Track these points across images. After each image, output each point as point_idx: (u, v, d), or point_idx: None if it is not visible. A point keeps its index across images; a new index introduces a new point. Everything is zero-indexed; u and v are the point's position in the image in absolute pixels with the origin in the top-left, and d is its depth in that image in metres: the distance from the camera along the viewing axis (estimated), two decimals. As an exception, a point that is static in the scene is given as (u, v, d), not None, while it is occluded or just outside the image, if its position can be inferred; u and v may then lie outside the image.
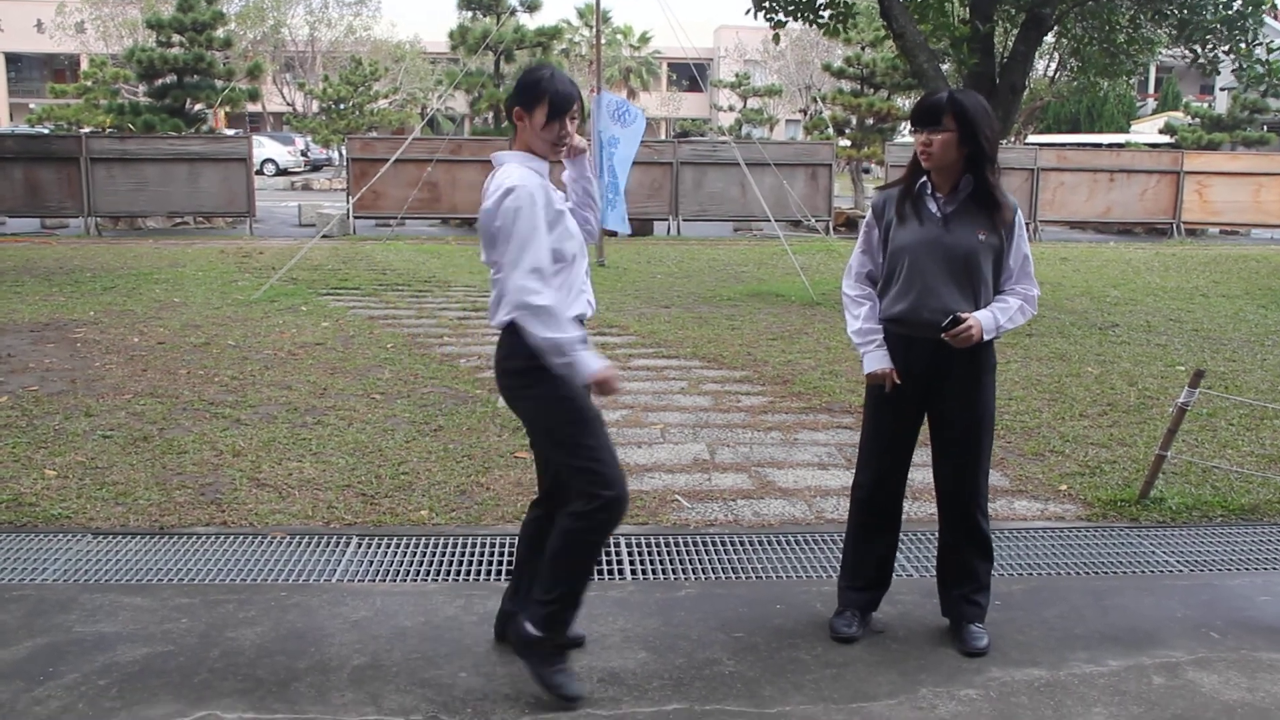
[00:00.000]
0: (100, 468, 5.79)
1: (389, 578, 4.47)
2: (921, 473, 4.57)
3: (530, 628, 3.49)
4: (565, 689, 3.48)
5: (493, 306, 3.47)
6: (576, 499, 3.46)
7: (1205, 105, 38.00)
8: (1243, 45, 11.82)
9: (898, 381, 3.78)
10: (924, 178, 3.76)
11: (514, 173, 3.39)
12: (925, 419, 3.94)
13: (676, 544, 4.89)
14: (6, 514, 5.10)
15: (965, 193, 3.71)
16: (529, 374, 3.41)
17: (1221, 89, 41.24)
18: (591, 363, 3.35)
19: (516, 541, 3.89)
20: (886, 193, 3.90)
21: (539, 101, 3.41)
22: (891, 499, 3.99)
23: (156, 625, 3.95)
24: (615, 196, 12.16)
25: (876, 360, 3.80)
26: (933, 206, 3.75)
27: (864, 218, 4.02)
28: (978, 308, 3.74)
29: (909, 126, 3.94)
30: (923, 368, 3.78)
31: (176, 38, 23.62)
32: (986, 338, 3.71)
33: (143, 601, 4.16)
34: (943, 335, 3.65)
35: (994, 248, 3.74)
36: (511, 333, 3.42)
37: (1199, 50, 12.21)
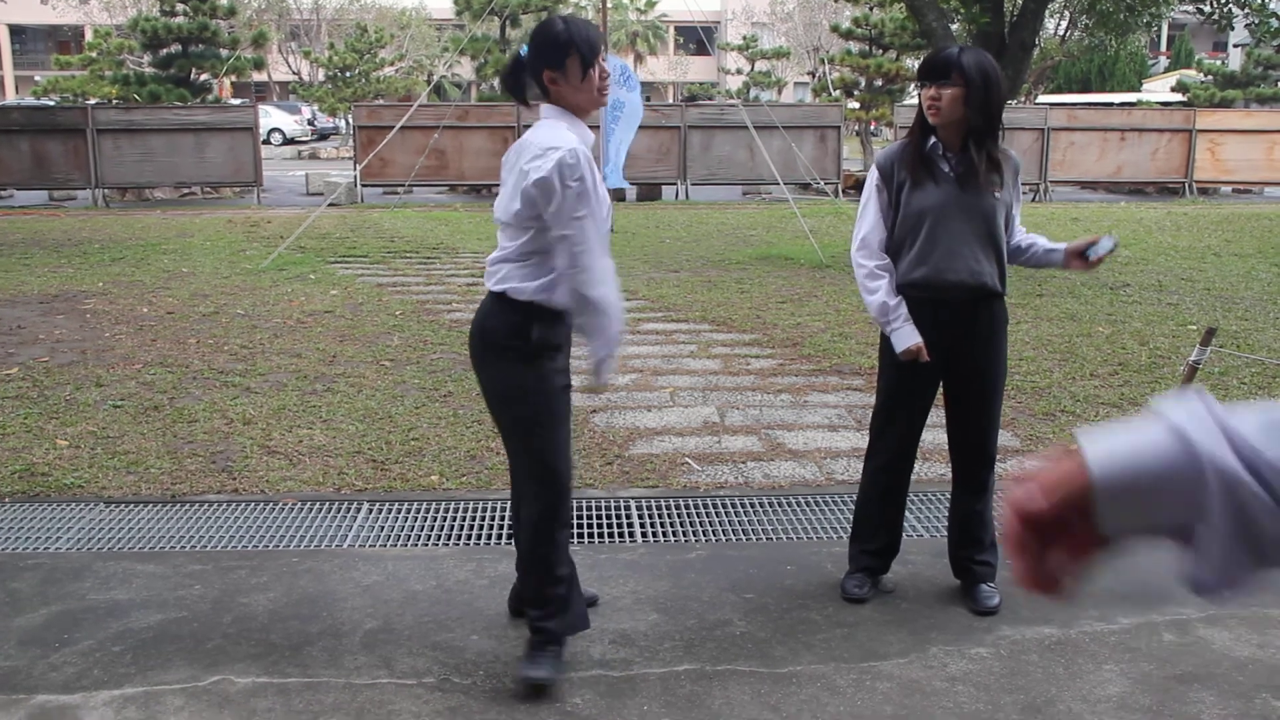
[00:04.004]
0: (111, 437, 5.81)
1: (400, 543, 4.49)
2: (931, 433, 4.56)
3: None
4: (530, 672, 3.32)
5: (502, 267, 3.26)
6: (528, 499, 3.34)
7: (1218, 62, 37.66)
8: (1257, 1, 11.70)
9: (928, 357, 3.71)
10: (933, 137, 3.72)
11: (563, 135, 3.10)
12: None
13: (687, 506, 4.90)
14: (19, 484, 5.12)
15: (974, 150, 3.66)
16: (511, 349, 3.23)
17: (1235, 45, 40.84)
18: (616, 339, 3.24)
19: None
20: (890, 155, 3.78)
21: (567, 54, 3.11)
22: (907, 464, 3.97)
23: (170, 592, 3.98)
24: (612, 157, 12.29)
25: (908, 336, 3.69)
26: (945, 166, 3.69)
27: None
28: (1000, 263, 3.74)
29: (915, 85, 3.87)
30: (947, 330, 3.75)
31: (180, 7, 23.53)
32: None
33: (155, 569, 4.18)
34: (1095, 260, 3.70)
35: (1005, 203, 3.74)
36: (502, 300, 3.23)
37: (1210, 5, 12.08)
